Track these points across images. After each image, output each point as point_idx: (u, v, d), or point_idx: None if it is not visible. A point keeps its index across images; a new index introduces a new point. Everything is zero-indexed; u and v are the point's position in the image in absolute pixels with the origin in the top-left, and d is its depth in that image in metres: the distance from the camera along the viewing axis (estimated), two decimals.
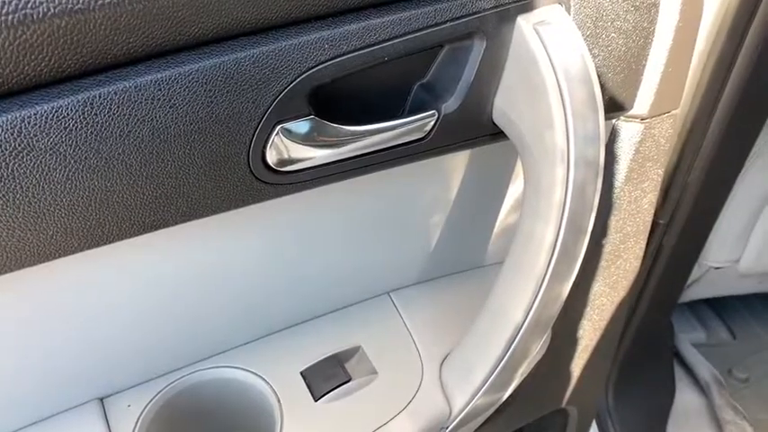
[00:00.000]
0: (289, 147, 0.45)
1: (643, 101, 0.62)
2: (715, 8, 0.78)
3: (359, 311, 0.70)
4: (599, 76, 0.56)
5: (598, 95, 0.50)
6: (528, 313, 0.55)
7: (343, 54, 0.44)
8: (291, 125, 0.44)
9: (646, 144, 0.65)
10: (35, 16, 0.34)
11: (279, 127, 0.44)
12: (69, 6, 0.34)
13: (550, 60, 0.48)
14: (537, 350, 0.60)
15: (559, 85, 0.48)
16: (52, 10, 0.34)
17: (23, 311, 0.49)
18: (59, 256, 0.43)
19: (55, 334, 0.52)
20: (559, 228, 0.51)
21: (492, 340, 0.58)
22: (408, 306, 0.71)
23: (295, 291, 0.64)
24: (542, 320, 0.57)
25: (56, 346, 0.53)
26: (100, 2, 0.35)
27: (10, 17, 0.33)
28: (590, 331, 0.83)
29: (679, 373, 1.38)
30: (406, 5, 0.46)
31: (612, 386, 1.22)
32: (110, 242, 0.44)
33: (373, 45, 0.45)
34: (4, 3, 0.33)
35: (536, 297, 0.54)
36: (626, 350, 1.17)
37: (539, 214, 0.52)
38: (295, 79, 0.43)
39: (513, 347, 0.58)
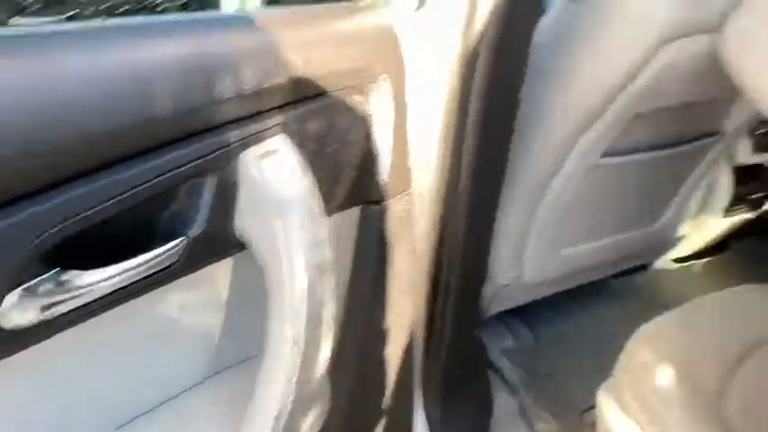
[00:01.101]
0: (36, 303, 0.49)
1: (378, 189, 0.73)
2: (442, 90, 0.92)
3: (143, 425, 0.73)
4: (330, 182, 0.66)
5: (318, 207, 0.60)
6: (286, 399, 0.63)
7: (90, 209, 0.49)
8: (35, 283, 0.49)
9: (389, 221, 0.77)
10: None
11: (21, 288, 0.48)
12: None
13: (271, 187, 0.57)
14: (312, 421, 0.68)
15: (281, 206, 0.57)
16: None
17: None
18: None
19: None
20: (300, 324, 0.60)
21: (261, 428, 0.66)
22: (190, 413, 0.76)
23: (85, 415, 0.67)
24: (303, 399, 0.64)
25: None
26: None
27: None
28: (386, 385, 0.92)
29: (495, 381, 1.53)
30: (137, 160, 0.52)
31: (440, 411, 1.31)
32: None
33: (116, 197, 0.51)
34: None
35: (291, 385, 0.62)
36: (443, 379, 1.27)
37: (281, 314, 0.60)
38: (32, 242, 0.47)
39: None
